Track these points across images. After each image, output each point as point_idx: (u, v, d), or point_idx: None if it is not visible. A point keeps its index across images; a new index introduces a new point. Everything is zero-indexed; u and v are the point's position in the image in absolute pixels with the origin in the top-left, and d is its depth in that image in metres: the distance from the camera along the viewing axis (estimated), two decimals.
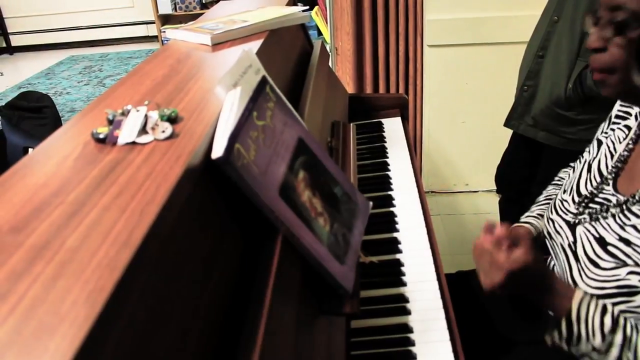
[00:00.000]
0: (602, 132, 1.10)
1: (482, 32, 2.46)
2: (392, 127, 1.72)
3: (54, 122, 2.93)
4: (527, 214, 1.25)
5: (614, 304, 0.88)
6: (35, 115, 2.84)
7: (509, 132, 1.93)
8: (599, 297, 0.89)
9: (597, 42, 0.86)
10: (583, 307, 0.87)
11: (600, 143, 1.07)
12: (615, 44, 0.83)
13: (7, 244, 0.52)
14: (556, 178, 1.32)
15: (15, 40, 6.67)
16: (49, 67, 6.03)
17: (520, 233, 1.07)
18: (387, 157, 1.54)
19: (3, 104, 3.00)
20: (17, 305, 0.44)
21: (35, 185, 0.62)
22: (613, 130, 1.05)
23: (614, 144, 1.03)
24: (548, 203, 1.23)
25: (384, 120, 1.76)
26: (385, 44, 2.51)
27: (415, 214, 1.30)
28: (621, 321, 0.86)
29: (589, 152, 1.10)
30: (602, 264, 0.90)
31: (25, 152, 2.71)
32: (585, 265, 0.93)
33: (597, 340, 0.85)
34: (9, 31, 6.59)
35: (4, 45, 6.65)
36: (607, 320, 0.85)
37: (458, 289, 1.27)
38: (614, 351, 0.85)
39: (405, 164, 1.51)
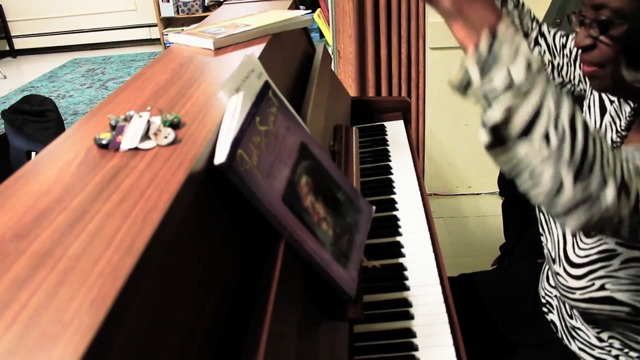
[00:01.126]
0: (575, 57, 1.11)
1: None
2: (395, 130, 1.72)
3: (57, 126, 2.94)
4: None
5: (594, 271, 0.91)
6: (38, 119, 2.84)
7: None
8: (583, 265, 0.93)
9: (585, 41, 0.86)
10: (511, 29, 0.68)
11: (602, 106, 1.06)
12: (603, 42, 0.84)
13: (9, 251, 0.52)
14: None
15: (19, 43, 6.70)
16: (51, 70, 6.04)
17: None
18: (390, 161, 1.54)
19: (6, 107, 3.01)
20: (20, 313, 0.44)
21: (38, 191, 0.62)
22: (619, 101, 1.03)
23: (620, 118, 1.02)
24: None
25: (386, 124, 1.76)
26: (387, 46, 2.51)
27: (418, 217, 1.30)
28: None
29: (586, 112, 1.09)
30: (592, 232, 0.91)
31: (28, 155, 2.72)
32: (580, 237, 0.96)
33: (519, 71, 0.66)
34: (12, 34, 6.62)
35: (7, 48, 6.67)
36: (534, 56, 0.69)
37: (461, 292, 1.27)
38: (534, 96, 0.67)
39: (408, 167, 1.51)
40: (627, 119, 0.98)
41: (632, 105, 0.98)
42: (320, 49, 1.56)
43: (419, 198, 1.37)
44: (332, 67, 2.24)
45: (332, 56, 2.61)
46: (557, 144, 0.65)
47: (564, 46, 1.19)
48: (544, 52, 1.21)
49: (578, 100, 1.15)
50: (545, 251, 1.11)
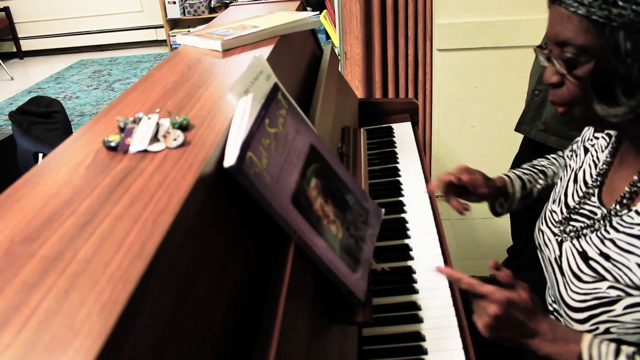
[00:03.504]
0: (587, 139, 1.09)
1: (492, 36, 2.45)
2: (403, 132, 1.71)
3: (64, 127, 2.94)
4: (512, 169, 1.28)
5: (595, 316, 0.87)
6: (45, 120, 2.84)
7: (520, 136, 1.92)
8: (582, 309, 0.89)
9: (553, 78, 0.85)
10: (594, 349, 0.84)
11: (587, 151, 1.06)
12: (570, 80, 0.82)
13: (19, 255, 0.51)
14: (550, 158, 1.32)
15: (26, 45, 6.72)
16: (58, 71, 6.06)
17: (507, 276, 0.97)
18: (398, 163, 1.54)
19: (13, 108, 3.02)
20: (30, 317, 0.44)
21: (47, 194, 0.62)
22: (597, 138, 1.04)
23: (597, 152, 1.01)
24: (533, 170, 1.28)
25: (394, 125, 1.76)
26: (394, 48, 2.50)
27: (427, 220, 1.29)
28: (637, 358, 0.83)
29: (574, 159, 1.09)
30: (584, 277, 0.89)
31: (36, 157, 2.72)
32: (570, 280, 0.93)
33: None
34: (19, 36, 6.65)
35: (14, 49, 6.70)
36: (622, 359, 0.83)
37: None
38: None
39: (415, 169, 1.51)
40: (612, 146, 0.97)
41: (611, 135, 0.98)
42: (327, 51, 1.56)
43: (427, 200, 1.36)
44: (339, 69, 2.23)
45: (339, 58, 2.61)
46: None
47: (573, 152, 1.23)
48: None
49: None
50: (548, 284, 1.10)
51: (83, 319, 0.43)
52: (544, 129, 1.76)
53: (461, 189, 1.21)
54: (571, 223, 0.98)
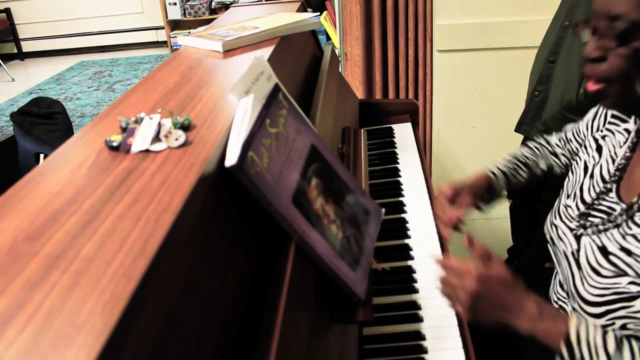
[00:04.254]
0: (596, 129, 1.09)
1: (492, 37, 2.45)
2: (403, 133, 1.72)
3: (65, 128, 2.95)
4: (495, 163, 1.29)
5: (613, 311, 0.86)
6: (46, 121, 2.85)
7: (520, 137, 1.93)
8: (599, 304, 0.88)
9: (596, 52, 0.83)
10: (582, 329, 0.83)
11: (598, 144, 1.05)
12: (617, 54, 0.80)
13: (22, 253, 0.52)
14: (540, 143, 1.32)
15: (26, 46, 6.73)
16: (59, 72, 6.07)
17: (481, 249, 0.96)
18: (398, 163, 1.54)
19: (14, 109, 3.02)
20: (34, 314, 0.44)
21: (50, 193, 0.62)
22: (611, 132, 1.03)
23: (614, 147, 1.01)
24: (516, 163, 1.28)
25: (394, 126, 1.76)
26: (394, 49, 2.51)
27: (427, 220, 1.29)
28: (625, 341, 0.83)
29: (583, 151, 1.09)
30: (603, 272, 0.89)
31: (37, 158, 2.73)
32: (587, 274, 0.92)
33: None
34: (20, 37, 6.66)
35: (15, 51, 6.71)
36: (610, 339, 0.82)
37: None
38: None
39: (416, 169, 1.51)
40: (632, 141, 0.96)
41: (629, 130, 0.98)
42: (328, 52, 1.57)
43: (427, 200, 1.36)
44: (340, 70, 2.24)
45: (339, 59, 2.61)
46: None
47: (560, 139, 1.28)
48: (553, 159, 1.29)
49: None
50: (558, 281, 1.09)
51: (86, 316, 0.44)
52: (543, 130, 1.77)
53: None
54: (589, 219, 0.97)
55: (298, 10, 1.55)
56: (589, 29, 0.85)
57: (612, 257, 0.88)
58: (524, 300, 0.86)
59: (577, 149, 1.21)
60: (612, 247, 0.89)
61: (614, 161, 0.99)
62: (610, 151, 1.01)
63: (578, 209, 1.01)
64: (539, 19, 2.04)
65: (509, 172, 1.27)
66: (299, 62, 1.42)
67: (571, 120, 1.65)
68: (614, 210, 0.93)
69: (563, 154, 1.27)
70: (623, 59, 0.80)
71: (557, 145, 1.28)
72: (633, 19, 0.77)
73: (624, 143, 0.99)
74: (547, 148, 1.30)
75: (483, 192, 1.23)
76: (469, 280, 0.85)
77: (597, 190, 0.99)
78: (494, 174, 1.26)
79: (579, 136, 1.21)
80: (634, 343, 0.82)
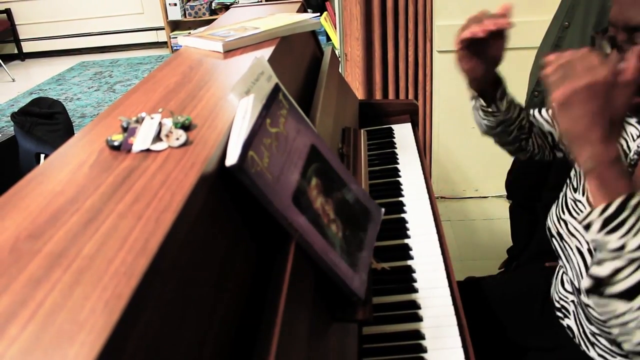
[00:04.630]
0: None
1: None
2: (403, 133, 1.72)
3: (66, 128, 2.95)
4: None
5: None
6: (47, 121, 2.85)
7: None
8: None
9: (635, 74, 0.77)
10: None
11: None
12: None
13: (24, 251, 0.52)
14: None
15: (27, 47, 6.74)
16: (59, 73, 6.08)
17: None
18: (398, 163, 1.54)
19: (15, 109, 3.02)
20: (36, 312, 0.45)
21: (51, 192, 0.63)
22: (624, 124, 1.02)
23: (626, 141, 1.00)
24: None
25: (394, 126, 1.76)
26: (394, 49, 2.51)
27: (426, 220, 1.30)
28: None
29: None
30: None
31: (38, 158, 2.73)
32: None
33: (637, 241, 0.72)
34: (20, 38, 6.66)
35: (16, 51, 6.71)
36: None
37: (468, 296, 1.26)
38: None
39: (415, 169, 1.51)
40: None
41: None
42: (328, 52, 1.57)
43: (427, 201, 1.37)
44: (340, 70, 2.24)
45: (339, 59, 2.62)
46: None
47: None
48: (539, 136, 1.25)
49: None
50: (566, 278, 1.09)
51: (88, 313, 0.44)
52: None
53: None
54: None
55: (298, 11, 1.56)
56: (607, 40, 0.83)
57: None
58: (612, 139, 0.75)
59: None
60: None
61: (626, 155, 0.98)
62: (622, 145, 0.99)
63: (590, 204, 1.01)
64: (539, 19, 2.04)
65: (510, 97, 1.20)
66: (299, 63, 1.42)
67: None
68: None
69: (551, 133, 1.24)
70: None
71: (545, 122, 1.24)
72: None
73: (638, 137, 0.98)
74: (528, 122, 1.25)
75: (492, 75, 1.15)
76: (597, 74, 0.72)
77: None
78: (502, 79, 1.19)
79: None
80: None
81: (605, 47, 0.84)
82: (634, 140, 0.98)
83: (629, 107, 0.76)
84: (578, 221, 0.79)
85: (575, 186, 1.07)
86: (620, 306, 0.73)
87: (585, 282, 0.77)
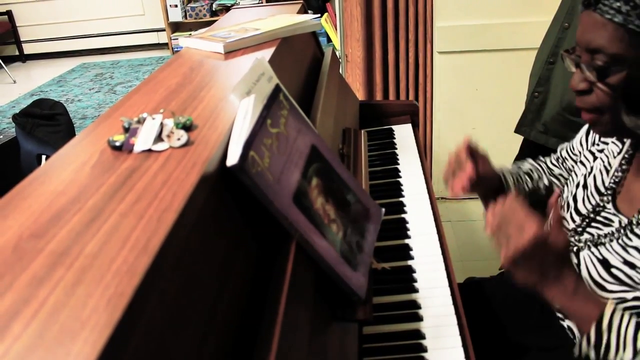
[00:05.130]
0: (592, 144, 1.08)
1: (492, 38, 2.46)
2: (403, 134, 1.73)
3: (67, 129, 2.96)
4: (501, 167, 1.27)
5: (630, 309, 0.85)
6: (48, 122, 2.86)
7: (520, 138, 1.93)
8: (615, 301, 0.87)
9: (581, 85, 0.83)
10: (616, 317, 0.81)
11: (595, 157, 1.05)
12: (599, 88, 0.80)
13: (27, 250, 0.53)
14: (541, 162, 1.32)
15: (28, 48, 6.74)
16: (60, 74, 6.08)
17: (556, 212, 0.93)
18: (398, 164, 1.55)
19: (16, 111, 3.03)
20: (39, 310, 0.45)
21: (54, 192, 0.63)
22: (606, 143, 1.03)
23: (607, 158, 1.00)
24: (520, 175, 1.27)
25: (394, 127, 1.77)
26: (395, 50, 2.52)
27: (427, 220, 1.30)
28: None
29: (579, 166, 1.09)
30: (607, 286, 0.88)
31: (39, 159, 2.74)
32: (591, 288, 0.91)
33: (628, 354, 0.79)
34: (21, 39, 6.67)
35: (17, 53, 6.72)
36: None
37: (468, 296, 1.26)
38: None
39: (416, 170, 1.52)
40: (628, 153, 0.96)
41: (623, 141, 0.97)
42: (328, 53, 1.57)
43: (427, 201, 1.37)
44: (340, 71, 2.25)
45: (339, 60, 2.62)
46: None
47: (557, 159, 1.27)
48: (554, 180, 1.28)
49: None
50: None
51: (90, 311, 0.45)
52: (543, 131, 1.77)
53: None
54: (587, 230, 0.97)
55: (299, 12, 1.56)
56: (573, 60, 0.85)
57: (614, 271, 0.88)
58: (565, 275, 0.83)
59: (572, 166, 1.21)
60: (614, 261, 0.88)
61: (608, 172, 0.99)
62: (604, 161, 1.01)
63: (573, 220, 1.01)
64: (539, 20, 2.05)
65: (514, 179, 1.26)
66: (300, 64, 1.43)
67: (571, 121, 1.66)
68: (612, 222, 0.93)
69: (561, 174, 1.27)
70: (605, 92, 0.80)
71: (554, 165, 1.28)
72: (611, 53, 0.77)
73: (618, 153, 0.98)
74: (544, 169, 1.30)
75: (494, 182, 1.22)
76: (527, 236, 0.81)
77: (593, 202, 0.98)
78: (503, 175, 1.25)
79: (573, 153, 1.21)
80: None
81: (570, 66, 0.86)
82: (614, 157, 0.99)
83: (564, 241, 0.84)
84: (575, 355, 0.86)
85: (560, 204, 1.08)
86: None
87: None
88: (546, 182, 1.28)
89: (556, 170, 1.28)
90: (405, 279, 1.11)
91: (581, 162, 1.09)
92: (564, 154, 1.24)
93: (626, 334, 0.80)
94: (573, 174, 1.11)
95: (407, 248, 1.20)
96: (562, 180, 1.27)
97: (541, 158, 1.33)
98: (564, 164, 1.25)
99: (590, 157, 1.06)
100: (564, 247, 0.84)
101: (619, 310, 0.82)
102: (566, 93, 1.64)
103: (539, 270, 0.83)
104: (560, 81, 1.67)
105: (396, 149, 1.63)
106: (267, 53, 1.16)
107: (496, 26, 2.44)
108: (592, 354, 0.81)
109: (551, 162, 1.29)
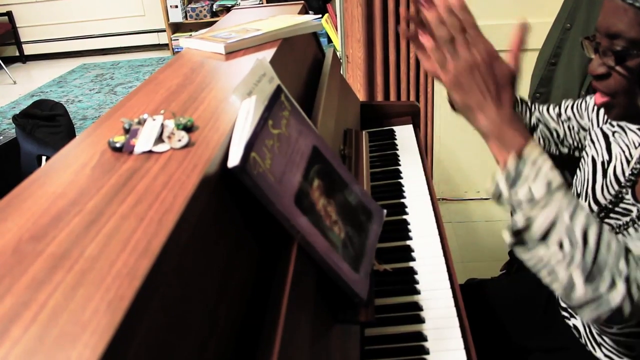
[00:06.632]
0: (604, 121, 1.08)
1: (494, 39, 2.43)
2: (404, 135, 1.72)
3: (67, 130, 2.96)
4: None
5: None
6: (49, 123, 2.86)
7: None
8: None
9: (599, 69, 0.85)
10: (537, 149, 0.79)
11: (607, 141, 1.05)
12: (618, 72, 0.82)
13: (27, 253, 0.52)
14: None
15: (28, 49, 6.75)
16: (61, 75, 6.08)
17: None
18: (400, 165, 1.54)
19: (16, 112, 3.03)
20: (39, 313, 0.45)
21: (54, 194, 0.63)
22: (623, 129, 1.03)
23: (628, 148, 1.01)
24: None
25: (396, 128, 1.76)
26: (396, 51, 2.52)
27: (428, 221, 1.30)
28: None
29: (590, 146, 1.08)
30: None
31: (39, 160, 2.73)
32: None
33: (539, 189, 0.77)
34: (22, 40, 6.67)
35: (17, 53, 6.73)
36: (556, 176, 0.78)
37: (469, 298, 1.26)
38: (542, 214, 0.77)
39: (417, 171, 1.51)
40: None
41: None
42: (329, 54, 1.57)
43: (428, 202, 1.36)
44: (341, 72, 2.24)
45: (340, 61, 2.62)
46: (570, 250, 0.75)
47: (558, 115, 1.24)
48: (545, 132, 1.26)
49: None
50: None
51: (90, 314, 0.44)
52: None
53: None
54: (606, 220, 0.97)
55: (300, 13, 1.56)
56: (592, 46, 0.86)
57: (630, 257, 0.88)
58: (505, 101, 0.82)
59: (578, 132, 1.20)
60: (635, 250, 0.88)
61: (628, 162, 0.99)
62: (624, 152, 1.01)
63: (592, 210, 1.01)
64: (540, 21, 2.04)
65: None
66: (301, 64, 1.42)
67: None
68: (631, 211, 0.94)
69: (556, 130, 1.25)
70: (624, 76, 0.81)
71: (551, 118, 1.27)
72: (631, 38, 0.78)
73: (639, 144, 0.99)
74: (538, 111, 1.29)
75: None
76: (480, 46, 0.83)
77: (612, 192, 0.99)
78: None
79: (579, 115, 1.20)
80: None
81: (590, 52, 0.88)
82: (635, 148, 0.99)
83: (510, 69, 0.84)
84: (488, 194, 0.84)
85: (578, 191, 1.07)
86: (541, 250, 0.78)
87: (507, 238, 0.83)
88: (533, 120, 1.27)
89: (551, 124, 1.26)
90: (407, 281, 1.10)
91: (591, 139, 1.09)
92: (569, 112, 1.22)
93: (542, 165, 0.78)
94: (585, 153, 1.11)
95: (409, 249, 1.20)
96: (554, 137, 1.25)
97: (536, 105, 1.30)
98: (566, 123, 1.23)
99: (602, 139, 1.06)
100: (509, 74, 0.84)
101: (539, 146, 0.80)
102: (568, 94, 1.64)
103: (478, 90, 0.82)
104: (561, 82, 1.67)
105: (397, 149, 1.63)
106: (268, 54, 1.16)
107: (497, 27, 2.42)
108: (504, 187, 0.80)
109: (548, 112, 1.27)
